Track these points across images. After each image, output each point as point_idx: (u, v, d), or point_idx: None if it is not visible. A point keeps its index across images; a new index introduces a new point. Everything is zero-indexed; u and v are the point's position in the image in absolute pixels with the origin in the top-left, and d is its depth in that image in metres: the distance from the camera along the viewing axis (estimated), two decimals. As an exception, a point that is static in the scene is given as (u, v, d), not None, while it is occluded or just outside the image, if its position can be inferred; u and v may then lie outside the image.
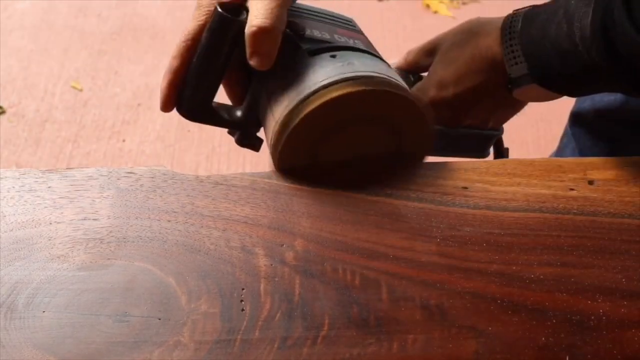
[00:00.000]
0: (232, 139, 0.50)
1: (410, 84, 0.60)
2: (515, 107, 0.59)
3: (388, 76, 0.46)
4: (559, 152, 0.85)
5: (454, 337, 0.39)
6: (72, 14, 1.89)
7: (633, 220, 0.45)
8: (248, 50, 0.44)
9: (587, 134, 0.80)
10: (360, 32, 0.52)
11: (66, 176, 0.46)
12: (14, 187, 0.45)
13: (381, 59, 0.49)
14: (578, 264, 0.42)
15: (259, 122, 0.49)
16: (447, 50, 0.57)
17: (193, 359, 0.37)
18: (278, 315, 0.39)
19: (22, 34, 1.83)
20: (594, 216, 0.45)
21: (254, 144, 0.50)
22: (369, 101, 0.44)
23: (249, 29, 0.44)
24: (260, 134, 0.50)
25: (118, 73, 1.74)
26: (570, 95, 0.53)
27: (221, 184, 0.46)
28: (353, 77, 0.44)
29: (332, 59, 0.46)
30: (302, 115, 0.44)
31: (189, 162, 1.55)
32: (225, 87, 0.50)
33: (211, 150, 1.57)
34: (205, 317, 0.39)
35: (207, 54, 0.45)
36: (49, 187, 0.45)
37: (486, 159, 0.62)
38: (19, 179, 0.45)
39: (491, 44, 0.54)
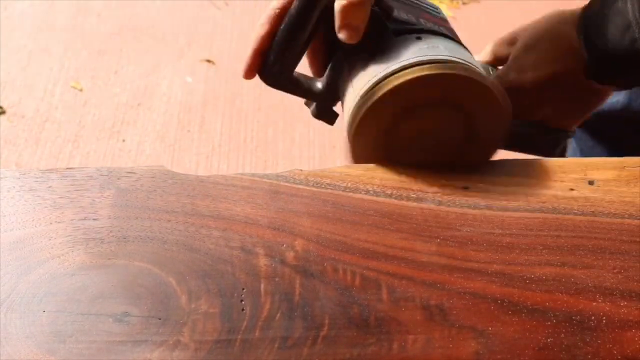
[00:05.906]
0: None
1: (490, 76, 0.60)
2: (597, 95, 0.59)
3: (470, 63, 0.46)
4: (560, 153, 0.85)
5: (454, 337, 0.39)
6: (72, 14, 1.89)
7: (633, 221, 0.45)
8: (337, 23, 0.45)
9: (588, 134, 0.80)
10: (444, 20, 0.53)
11: (66, 176, 0.46)
12: (14, 187, 0.45)
13: (464, 46, 0.50)
14: (578, 264, 0.42)
15: (338, 97, 0.50)
16: (529, 37, 0.58)
17: (193, 359, 0.37)
18: (278, 315, 0.39)
19: (22, 34, 1.83)
20: (594, 216, 0.45)
21: (330, 118, 0.52)
22: (448, 85, 0.44)
23: (338, 2, 0.45)
24: (337, 109, 0.51)
25: (118, 73, 1.74)
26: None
27: (221, 184, 0.46)
28: (436, 59, 0.45)
29: (417, 40, 0.47)
30: (383, 91, 0.44)
31: (189, 162, 1.55)
32: (308, 58, 0.51)
33: (211, 150, 1.56)
34: (205, 317, 0.39)
35: (295, 23, 0.46)
36: (49, 187, 0.45)
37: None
38: (19, 179, 0.45)
39: (569, 31, 0.55)
